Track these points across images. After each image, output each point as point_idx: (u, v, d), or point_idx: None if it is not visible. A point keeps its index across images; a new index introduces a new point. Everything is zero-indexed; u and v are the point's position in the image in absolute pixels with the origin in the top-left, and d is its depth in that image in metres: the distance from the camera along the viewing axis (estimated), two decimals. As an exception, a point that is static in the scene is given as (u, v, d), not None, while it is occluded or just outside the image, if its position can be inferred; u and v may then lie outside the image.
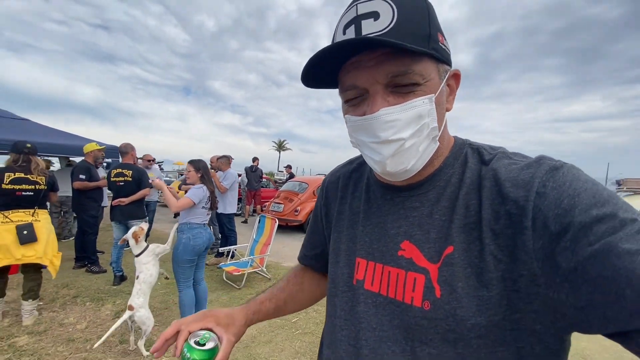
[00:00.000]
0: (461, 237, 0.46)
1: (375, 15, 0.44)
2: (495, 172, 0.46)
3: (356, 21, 0.45)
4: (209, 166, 5.64)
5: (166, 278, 2.98)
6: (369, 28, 0.43)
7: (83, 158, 4.34)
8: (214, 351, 0.55)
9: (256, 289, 3.87)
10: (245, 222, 8.35)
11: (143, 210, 4.03)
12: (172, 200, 2.63)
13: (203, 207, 2.75)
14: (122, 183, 3.82)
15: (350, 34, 0.45)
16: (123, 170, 3.87)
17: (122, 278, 3.89)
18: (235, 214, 5.02)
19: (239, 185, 6.46)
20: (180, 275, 2.63)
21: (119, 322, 2.24)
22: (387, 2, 0.44)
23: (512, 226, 0.42)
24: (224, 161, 4.74)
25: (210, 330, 0.59)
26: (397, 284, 0.50)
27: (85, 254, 4.27)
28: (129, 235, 2.60)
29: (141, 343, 2.39)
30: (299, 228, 7.53)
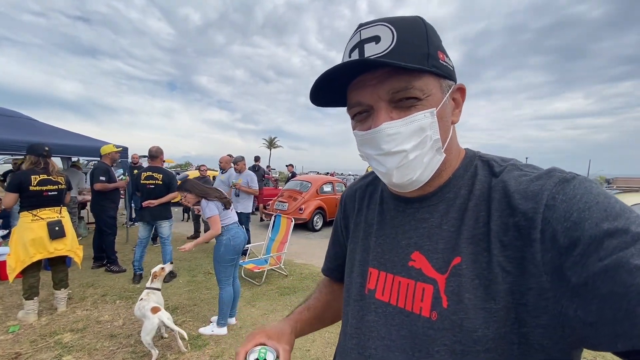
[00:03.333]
0: (469, 249, 0.47)
1: (376, 39, 0.47)
2: (505, 184, 0.47)
3: (360, 45, 0.49)
4: (219, 166, 5.78)
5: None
6: (371, 50, 0.47)
7: (100, 159, 4.41)
8: None
9: (275, 285, 4.05)
10: (248, 220, 8.48)
11: (170, 211, 4.15)
12: (209, 235, 2.77)
13: (224, 210, 2.82)
14: (153, 186, 3.95)
15: (355, 56, 0.49)
16: (154, 174, 3.98)
17: (141, 277, 3.99)
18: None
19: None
20: (222, 274, 2.78)
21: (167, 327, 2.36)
22: (387, 27, 0.48)
23: (520, 238, 0.42)
24: (243, 162, 4.97)
25: (264, 344, 0.60)
26: (407, 294, 0.52)
27: (103, 254, 4.35)
28: (156, 269, 2.81)
29: (180, 341, 2.53)
30: (303, 226, 7.70)
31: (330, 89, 0.52)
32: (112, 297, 3.49)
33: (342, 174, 25.96)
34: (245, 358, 0.56)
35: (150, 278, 2.77)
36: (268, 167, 14.09)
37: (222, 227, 2.77)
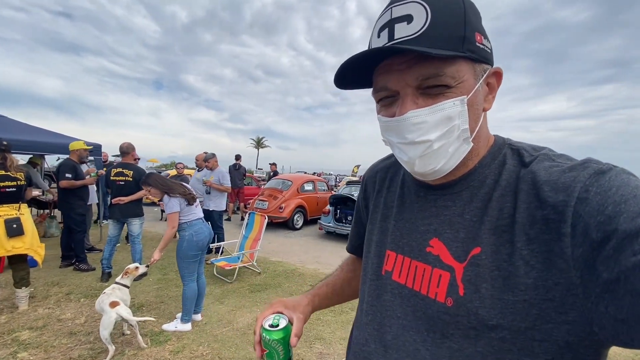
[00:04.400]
0: (491, 239, 0.46)
1: (408, 18, 0.44)
2: (535, 175, 0.45)
3: (390, 25, 0.46)
4: (195, 164, 5.73)
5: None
6: (402, 32, 0.45)
7: (67, 156, 4.33)
8: (287, 329, 0.60)
9: (247, 282, 4.07)
10: (228, 219, 8.43)
11: (141, 208, 4.11)
12: (168, 235, 2.72)
13: (187, 205, 2.79)
14: (123, 183, 3.92)
15: (384, 37, 0.46)
16: (124, 170, 3.95)
17: (110, 275, 3.95)
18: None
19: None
20: (184, 270, 2.79)
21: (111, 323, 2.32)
22: (421, 4, 0.44)
23: (548, 232, 0.40)
24: (214, 158, 4.93)
25: (280, 312, 0.65)
26: (422, 278, 0.52)
27: (71, 253, 4.27)
28: (130, 266, 2.82)
29: (139, 337, 2.52)
30: (283, 224, 7.72)
31: (354, 71, 0.49)
32: (77, 295, 3.44)
33: (329, 174, 26.11)
34: (263, 325, 0.62)
35: (122, 274, 2.76)
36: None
37: (185, 222, 2.78)
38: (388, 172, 0.69)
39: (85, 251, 4.90)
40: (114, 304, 2.42)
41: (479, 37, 0.46)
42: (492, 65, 0.50)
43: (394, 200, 0.63)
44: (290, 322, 0.63)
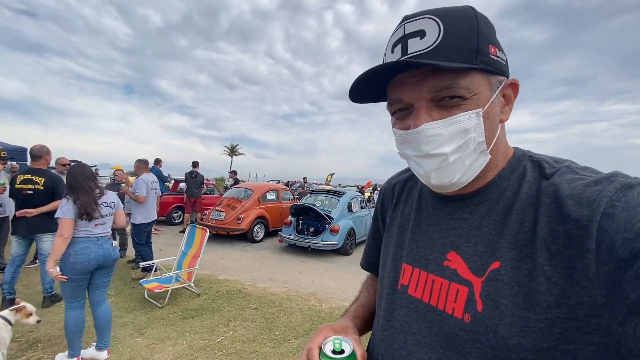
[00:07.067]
0: (510, 254, 0.44)
1: (421, 33, 0.45)
2: (557, 188, 0.44)
3: (403, 40, 0.47)
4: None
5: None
6: (415, 47, 0.45)
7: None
8: (354, 355, 0.53)
9: (182, 306, 3.57)
10: (183, 232, 7.81)
11: (54, 222, 3.48)
12: (57, 243, 2.31)
13: (80, 219, 2.38)
14: (31, 192, 3.30)
15: (398, 52, 0.47)
16: (33, 177, 3.32)
17: (12, 302, 3.32)
18: (175, 224, 4.62)
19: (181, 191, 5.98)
20: (64, 293, 2.40)
21: None
22: (433, 19, 0.45)
23: (571, 247, 0.39)
24: (139, 165, 4.46)
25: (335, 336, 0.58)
26: (440, 293, 0.51)
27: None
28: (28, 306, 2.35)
29: None
30: (241, 237, 7.22)
31: (369, 85, 0.50)
32: (-42, 330, 2.80)
33: (306, 182, 25.63)
34: (320, 350, 0.54)
35: (13, 308, 2.30)
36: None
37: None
38: (406, 184, 0.69)
39: (-2, 271, 4.22)
40: None
41: (493, 49, 0.47)
42: (507, 76, 0.50)
43: (411, 212, 0.62)
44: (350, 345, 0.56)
